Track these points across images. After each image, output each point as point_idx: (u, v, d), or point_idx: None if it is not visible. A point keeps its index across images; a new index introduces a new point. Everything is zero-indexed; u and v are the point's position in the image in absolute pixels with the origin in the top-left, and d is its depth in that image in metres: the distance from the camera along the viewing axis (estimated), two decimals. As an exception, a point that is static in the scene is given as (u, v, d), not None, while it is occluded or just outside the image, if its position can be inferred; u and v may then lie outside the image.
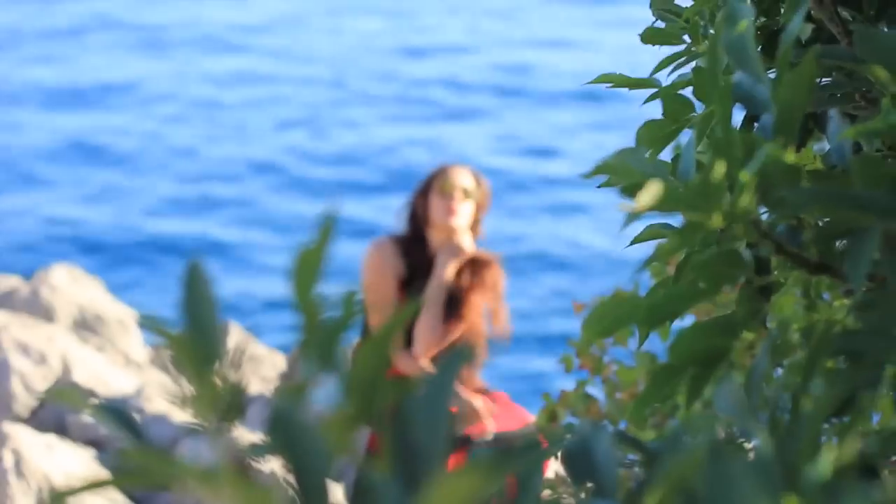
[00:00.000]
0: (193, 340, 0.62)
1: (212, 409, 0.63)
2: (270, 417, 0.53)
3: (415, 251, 4.24)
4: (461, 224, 4.24)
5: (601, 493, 0.76)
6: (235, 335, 5.96)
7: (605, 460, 0.75)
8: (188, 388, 0.61)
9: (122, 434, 0.64)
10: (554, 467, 4.20)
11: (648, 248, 1.20)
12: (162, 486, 0.66)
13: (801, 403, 0.89)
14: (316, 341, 0.63)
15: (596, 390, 4.17)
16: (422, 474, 0.56)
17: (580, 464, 0.77)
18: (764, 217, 1.06)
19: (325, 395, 0.63)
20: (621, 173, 1.17)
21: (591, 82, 1.30)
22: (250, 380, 5.08)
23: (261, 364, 5.83)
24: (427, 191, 4.30)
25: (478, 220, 4.34)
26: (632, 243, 1.25)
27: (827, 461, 0.78)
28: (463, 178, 4.29)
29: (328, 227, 0.70)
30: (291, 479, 0.51)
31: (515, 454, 0.67)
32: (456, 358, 0.58)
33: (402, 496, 0.55)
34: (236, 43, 15.47)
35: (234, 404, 0.67)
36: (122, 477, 0.66)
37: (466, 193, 4.27)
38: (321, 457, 0.52)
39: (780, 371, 1.93)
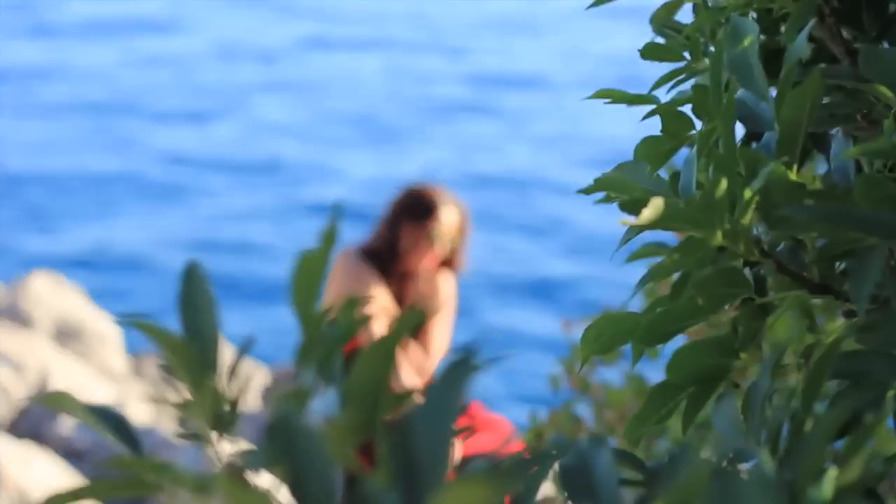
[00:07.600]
0: (192, 346, 0.61)
1: (207, 416, 0.62)
2: (271, 425, 0.51)
3: (383, 263, 4.10)
4: (429, 268, 4.11)
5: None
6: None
7: (605, 478, 0.74)
8: (184, 394, 0.59)
9: (116, 440, 0.62)
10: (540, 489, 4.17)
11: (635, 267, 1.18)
12: (149, 495, 0.65)
13: (804, 425, 0.88)
14: (316, 350, 0.61)
15: (584, 410, 4.15)
16: (423, 488, 0.55)
17: (578, 482, 0.76)
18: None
19: (324, 404, 0.61)
20: (621, 189, 1.16)
21: (590, 97, 1.28)
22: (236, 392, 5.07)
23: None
24: (407, 215, 4.08)
25: (455, 251, 4.15)
26: (628, 261, 1.24)
27: (830, 483, 0.77)
28: (450, 218, 4.08)
29: (329, 237, 0.69)
30: (293, 487, 0.50)
31: (513, 469, 0.66)
32: (461, 368, 0.57)
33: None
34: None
35: (229, 413, 0.66)
36: (112, 485, 0.65)
37: (449, 239, 4.09)
38: (324, 465, 0.51)
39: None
